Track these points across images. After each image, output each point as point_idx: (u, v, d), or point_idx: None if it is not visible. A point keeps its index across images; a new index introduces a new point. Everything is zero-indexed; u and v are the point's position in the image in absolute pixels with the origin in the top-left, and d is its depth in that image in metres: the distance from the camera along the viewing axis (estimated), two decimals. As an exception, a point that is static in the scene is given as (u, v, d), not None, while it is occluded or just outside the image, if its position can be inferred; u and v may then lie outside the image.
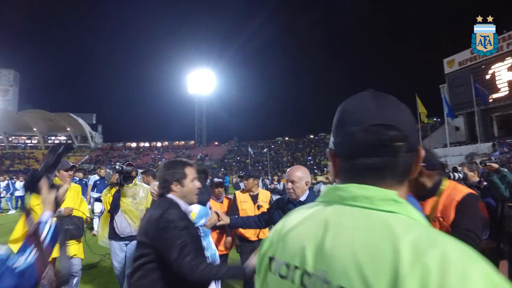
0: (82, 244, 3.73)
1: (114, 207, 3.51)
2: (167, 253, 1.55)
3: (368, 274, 0.48)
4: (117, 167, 3.54)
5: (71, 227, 3.51)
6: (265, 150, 53.41)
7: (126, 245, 3.69)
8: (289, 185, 2.35)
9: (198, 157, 57.70)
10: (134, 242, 3.68)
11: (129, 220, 3.59)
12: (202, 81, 67.82)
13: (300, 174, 2.35)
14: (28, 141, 65.91)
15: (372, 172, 0.61)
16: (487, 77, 29.18)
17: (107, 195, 3.57)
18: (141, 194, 3.76)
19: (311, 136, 60.78)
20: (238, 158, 55.63)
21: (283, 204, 2.46)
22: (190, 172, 1.85)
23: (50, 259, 3.47)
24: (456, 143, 31.01)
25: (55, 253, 3.32)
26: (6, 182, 14.79)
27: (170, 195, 1.78)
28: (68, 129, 63.48)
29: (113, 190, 3.54)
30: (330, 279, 0.52)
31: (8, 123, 62.67)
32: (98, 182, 8.63)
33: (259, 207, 3.66)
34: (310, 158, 49.42)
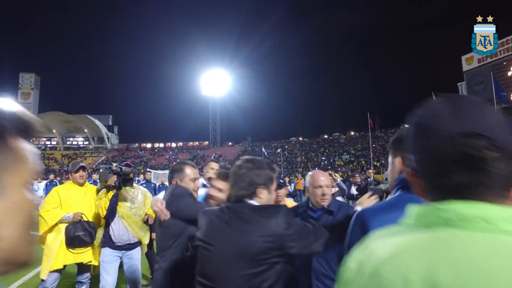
0: (97, 250, 3.47)
1: (111, 213, 3.17)
2: (307, 241, 1.38)
3: None
4: (114, 167, 3.15)
5: (80, 233, 3.29)
6: (278, 150, 53.27)
7: (122, 255, 3.33)
8: (325, 190, 2.15)
9: (212, 157, 58.11)
10: (134, 253, 3.38)
11: (128, 227, 3.24)
12: (216, 82, 68.30)
13: (328, 179, 2.19)
14: (48, 142, 67.88)
15: (464, 190, 0.50)
16: (509, 73, 28.20)
17: (103, 199, 3.20)
18: (139, 198, 3.42)
19: (325, 136, 60.24)
20: (251, 158, 55.52)
21: (302, 211, 2.25)
22: (275, 179, 1.52)
23: (61, 265, 3.37)
24: (476, 142, 30.04)
25: (69, 259, 3.31)
26: None
27: (253, 202, 1.42)
28: (86, 130, 64.98)
29: (110, 194, 3.17)
30: None
31: (29, 125, 64.68)
32: None
33: None
34: (324, 158, 48.94)
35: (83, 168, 3.61)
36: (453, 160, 0.50)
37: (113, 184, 3.13)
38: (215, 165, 3.25)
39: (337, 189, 5.19)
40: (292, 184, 8.89)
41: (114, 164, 3.21)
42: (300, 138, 62.78)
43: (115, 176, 3.14)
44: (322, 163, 47.07)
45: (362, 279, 0.53)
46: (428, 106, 0.57)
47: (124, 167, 3.17)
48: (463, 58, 32.12)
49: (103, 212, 3.17)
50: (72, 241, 3.31)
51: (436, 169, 0.53)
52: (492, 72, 27.32)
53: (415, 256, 0.48)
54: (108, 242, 3.26)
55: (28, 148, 0.46)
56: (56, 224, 3.33)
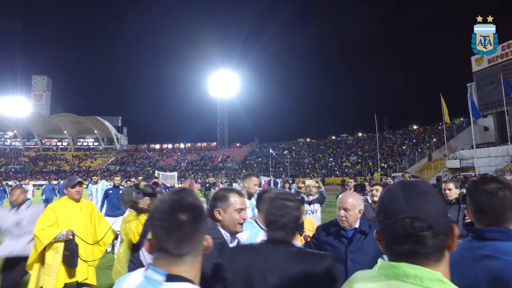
0: (93, 268, 3.39)
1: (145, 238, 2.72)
2: None
3: None
4: (144, 187, 2.80)
5: (66, 253, 3.17)
6: (286, 151, 53.31)
7: None
8: (342, 212, 2.25)
9: (220, 159, 58.42)
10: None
11: None
12: (224, 83, 68.66)
13: (354, 202, 2.27)
14: (59, 143, 69.14)
15: (408, 256, 0.74)
16: (520, 74, 27.82)
17: (133, 222, 2.78)
18: None
19: (333, 137, 60.05)
20: (259, 159, 55.78)
21: (334, 231, 2.31)
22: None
23: (62, 285, 3.20)
24: (485, 144, 29.75)
25: (68, 277, 3.19)
26: (31, 185, 14.63)
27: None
28: (96, 131, 65.94)
29: (143, 217, 2.75)
30: None
31: (42, 127, 66.00)
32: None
33: (305, 238, 2.97)
34: (332, 159, 48.84)
35: (80, 183, 3.46)
36: (402, 236, 0.74)
37: (146, 208, 2.75)
38: (257, 181, 3.29)
39: (316, 196, 5.26)
40: (292, 190, 8.57)
41: (142, 184, 2.89)
42: (308, 139, 62.67)
43: (147, 198, 2.79)
44: (329, 164, 47.03)
45: None
46: (389, 190, 0.81)
47: (156, 188, 2.86)
48: (473, 58, 31.77)
49: (136, 238, 2.78)
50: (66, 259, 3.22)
51: (391, 239, 0.77)
52: (502, 72, 27.01)
53: None
54: (138, 268, 3.03)
55: None
56: (52, 242, 3.21)
